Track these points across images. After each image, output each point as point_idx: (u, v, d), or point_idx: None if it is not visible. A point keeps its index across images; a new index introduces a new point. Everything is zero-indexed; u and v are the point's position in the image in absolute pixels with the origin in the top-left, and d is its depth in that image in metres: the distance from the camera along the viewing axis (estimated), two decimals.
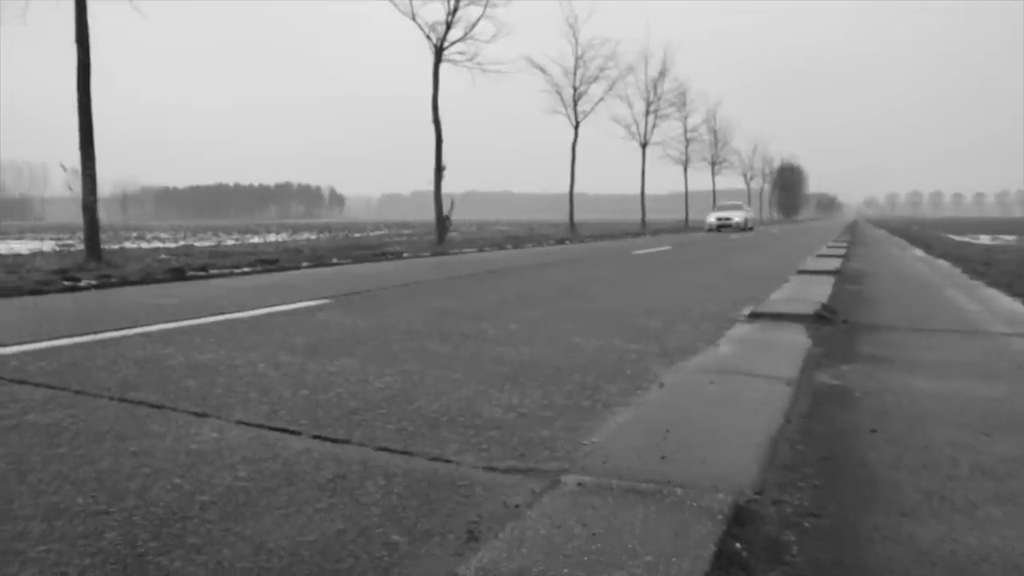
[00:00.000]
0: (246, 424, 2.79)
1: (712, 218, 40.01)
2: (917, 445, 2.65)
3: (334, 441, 2.60)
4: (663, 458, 2.42)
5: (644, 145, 42.45)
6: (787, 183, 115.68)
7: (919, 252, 16.86)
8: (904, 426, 2.87)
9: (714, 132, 59.61)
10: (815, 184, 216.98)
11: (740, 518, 1.97)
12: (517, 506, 2.04)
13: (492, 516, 1.98)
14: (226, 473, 2.28)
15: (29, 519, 1.95)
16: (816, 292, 7.20)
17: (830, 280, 8.59)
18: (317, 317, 5.61)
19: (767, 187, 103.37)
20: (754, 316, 5.72)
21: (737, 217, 39.47)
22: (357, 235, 33.66)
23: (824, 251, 16.21)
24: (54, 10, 11.72)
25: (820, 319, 5.56)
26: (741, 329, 5.16)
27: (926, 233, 30.73)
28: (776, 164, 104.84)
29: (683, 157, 51.34)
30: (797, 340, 4.71)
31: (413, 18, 21.68)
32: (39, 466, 2.34)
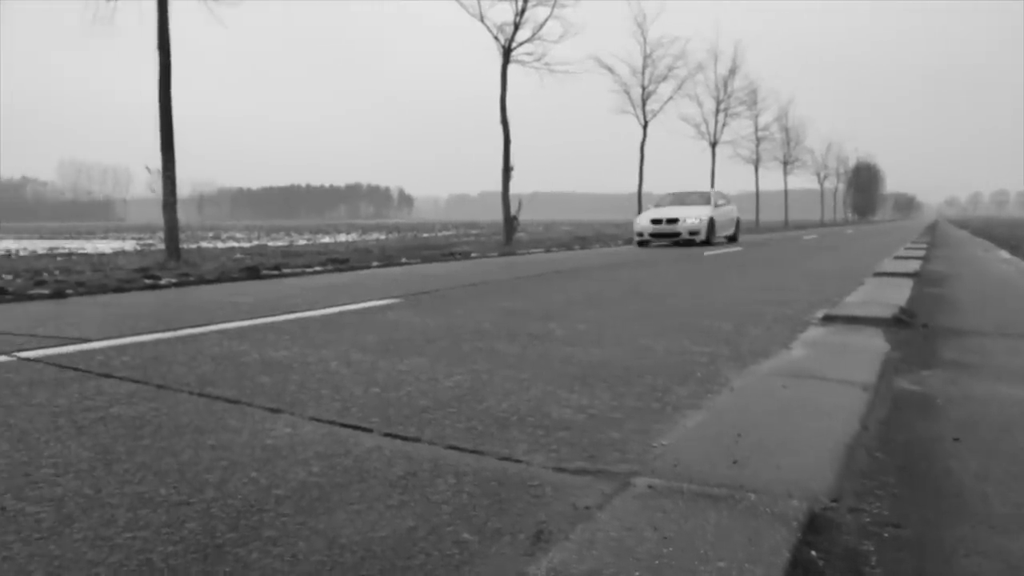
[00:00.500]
0: (319, 420, 2.84)
1: (644, 220, 21.82)
2: (1005, 455, 2.54)
3: (405, 439, 2.63)
4: (735, 462, 2.38)
5: (713, 145, 41.84)
6: (862, 183, 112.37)
7: (1005, 254, 16.19)
8: (991, 435, 2.76)
9: (786, 130, 58.41)
10: (893, 183, 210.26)
11: (816, 526, 1.92)
12: (587, 507, 2.03)
13: (562, 517, 1.98)
14: (300, 468, 2.33)
15: (116, 507, 2.02)
16: (894, 295, 6.98)
17: (909, 283, 8.32)
18: (387, 316, 5.69)
19: (841, 187, 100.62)
20: (829, 319, 5.58)
21: (693, 218, 20.93)
22: (425, 235, 34.06)
23: (902, 252, 15.70)
24: (137, 22, 12.17)
25: (898, 323, 5.38)
26: (815, 332, 5.04)
27: (1014, 233, 29.50)
28: (851, 163, 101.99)
29: (754, 156, 50.50)
30: (874, 344, 4.58)
31: (481, 20, 21.83)
32: (124, 456, 2.43)
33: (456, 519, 1.97)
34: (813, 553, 1.78)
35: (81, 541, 1.82)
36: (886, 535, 1.93)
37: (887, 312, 5.67)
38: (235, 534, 1.87)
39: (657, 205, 22.81)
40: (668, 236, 21.20)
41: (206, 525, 1.91)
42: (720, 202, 22.71)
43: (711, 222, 20.98)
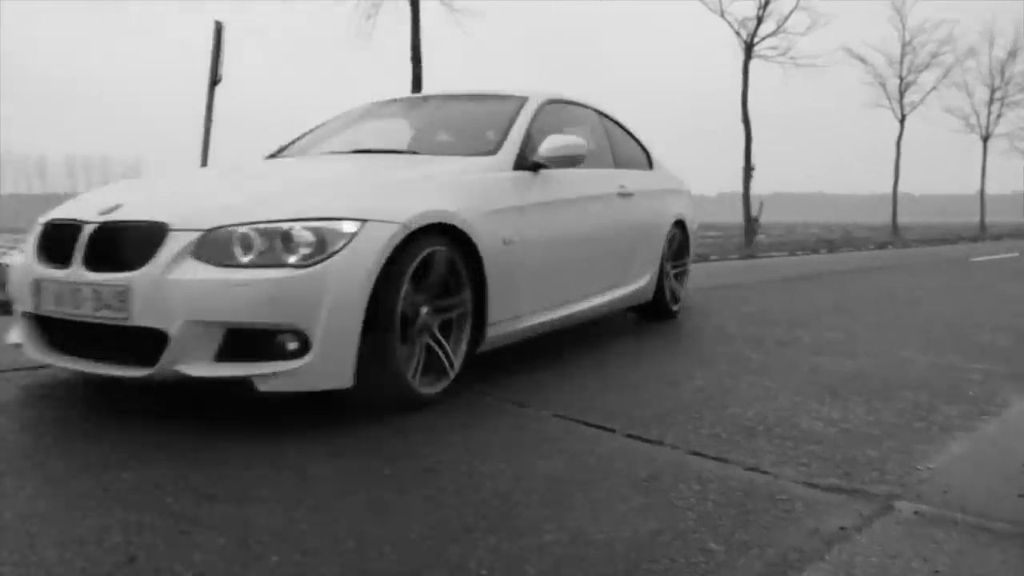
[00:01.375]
0: (562, 417, 2.90)
1: None
2: None
3: (647, 441, 2.62)
4: (1022, 496, 2.12)
5: (985, 139, 37.63)
6: None
7: None
8: None
9: None
10: None
11: None
12: (843, 528, 1.91)
13: (815, 535, 1.87)
14: (546, 462, 2.39)
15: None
16: None
17: None
18: (628, 317, 5.69)
19: None
20: None
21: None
22: None
23: None
24: (392, 34, 13.12)
25: None
26: None
27: None
28: None
29: None
30: None
31: (722, 15, 21.27)
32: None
33: (701, 526, 1.93)
34: None
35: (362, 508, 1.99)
36: None
37: None
38: (485, 521, 1.95)
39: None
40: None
41: (459, 511, 2.02)
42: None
43: None
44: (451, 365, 3.06)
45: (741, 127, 21.28)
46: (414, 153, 3.93)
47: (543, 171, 3.71)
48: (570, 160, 3.68)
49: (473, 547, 1.80)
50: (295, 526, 1.90)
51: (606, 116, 5.09)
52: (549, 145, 3.63)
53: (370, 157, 3.81)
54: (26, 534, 1.82)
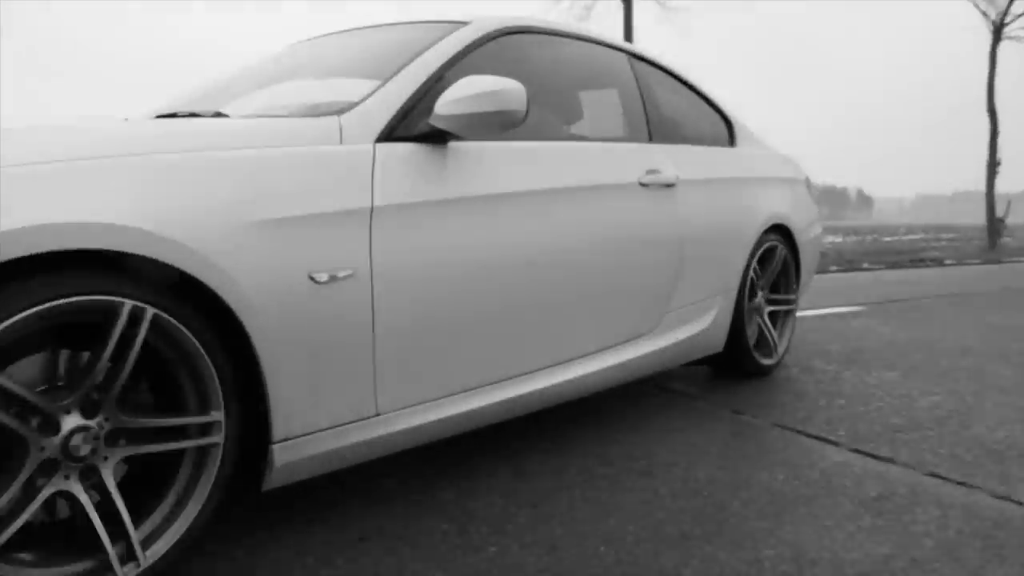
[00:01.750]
0: (781, 427, 2.78)
1: None
2: None
3: (876, 458, 2.45)
4: None
5: None
6: None
7: None
8: None
9: None
10: None
11: None
12: None
13: None
14: (764, 472, 2.30)
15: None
16: None
17: None
18: (851, 324, 5.35)
19: None
20: None
21: None
22: (887, 239, 31.41)
23: None
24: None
25: None
26: None
27: None
28: None
29: None
30: None
31: None
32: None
33: (941, 556, 1.77)
34: None
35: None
36: None
37: None
38: (700, 529, 1.91)
39: None
40: None
41: (675, 517, 1.99)
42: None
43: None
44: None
45: (984, 118, 19.32)
46: (219, 116, 2.14)
47: (455, 144, 2.11)
48: (493, 121, 2.01)
49: (689, 555, 1.77)
50: (512, 520, 1.96)
51: (643, 60, 3.22)
52: (453, 95, 1.99)
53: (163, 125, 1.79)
54: (264, 519, 2.01)
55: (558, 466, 2.36)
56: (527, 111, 2.05)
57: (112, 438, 1.50)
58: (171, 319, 1.52)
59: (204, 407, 1.61)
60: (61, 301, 1.38)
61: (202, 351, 1.58)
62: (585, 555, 1.77)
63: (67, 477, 1.46)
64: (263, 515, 1.97)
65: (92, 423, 1.47)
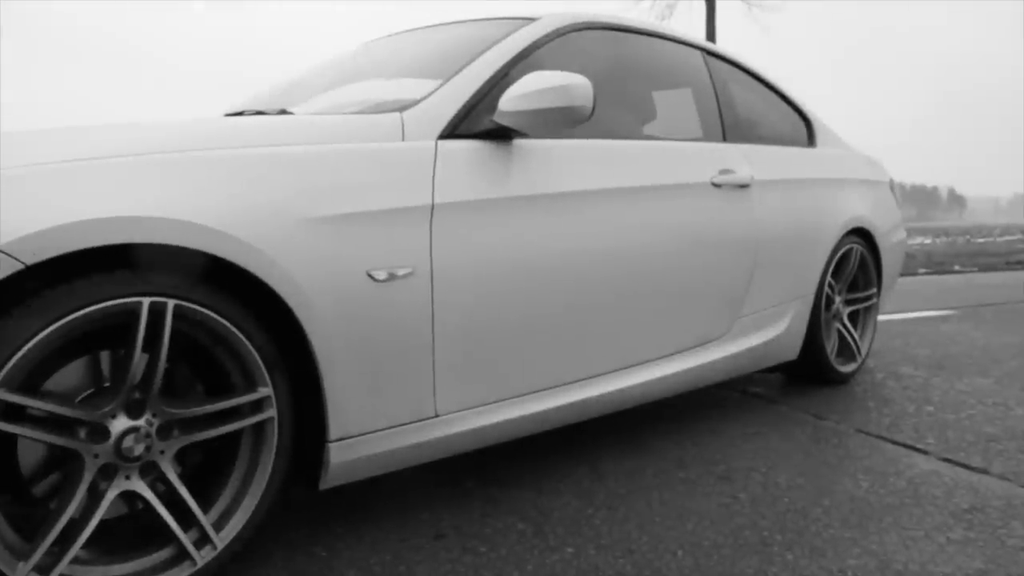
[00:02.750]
0: (865, 433, 2.70)
1: None
2: None
3: (968, 468, 2.35)
4: None
5: None
6: None
7: None
8: None
9: None
10: None
11: None
12: None
13: None
14: (848, 480, 2.24)
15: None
16: None
17: None
18: (941, 329, 5.16)
19: None
20: None
21: None
22: (981, 240, 30.08)
23: None
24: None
25: None
26: None
27: None
28: None
29: None
30: None
31: None
32: None
33: None
34: None
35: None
36: None
37: None
38: (781, 536, 1.87)
39: None
40: None
41: (755, 523, 1.96)
42: None
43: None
44: None
45: None
46: (284, 113, 2.13)
47: (520, 141, 2.08)
48: (558, 117, 1.97)
49: (769, 562, 1.74)
50: (589, 521, 1.96)
51: (719, 57, 3.14)
52: (518, 91, 1.97)
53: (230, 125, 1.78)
54: (344, 516, 2.06)
55: (634, 468, 2.34)
56: (594, 107, 2.00)
57: (164, 431, 1.52)
58: (202, 309, 1.51)
59: (250, 384, 1.61)
60: (78, 314, 1.37)
61: (239, 334, 1.56)
62: (662, 559, 1.76)
63: (128, 477, 1.49)
64: (343, 512, 2.02)
65: (140, 423, 1.48)
